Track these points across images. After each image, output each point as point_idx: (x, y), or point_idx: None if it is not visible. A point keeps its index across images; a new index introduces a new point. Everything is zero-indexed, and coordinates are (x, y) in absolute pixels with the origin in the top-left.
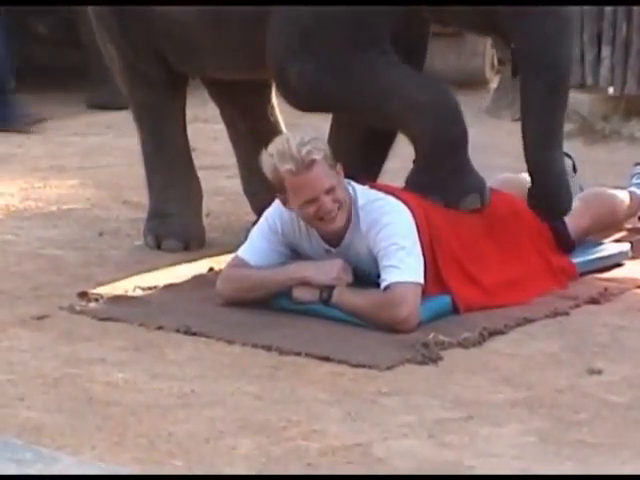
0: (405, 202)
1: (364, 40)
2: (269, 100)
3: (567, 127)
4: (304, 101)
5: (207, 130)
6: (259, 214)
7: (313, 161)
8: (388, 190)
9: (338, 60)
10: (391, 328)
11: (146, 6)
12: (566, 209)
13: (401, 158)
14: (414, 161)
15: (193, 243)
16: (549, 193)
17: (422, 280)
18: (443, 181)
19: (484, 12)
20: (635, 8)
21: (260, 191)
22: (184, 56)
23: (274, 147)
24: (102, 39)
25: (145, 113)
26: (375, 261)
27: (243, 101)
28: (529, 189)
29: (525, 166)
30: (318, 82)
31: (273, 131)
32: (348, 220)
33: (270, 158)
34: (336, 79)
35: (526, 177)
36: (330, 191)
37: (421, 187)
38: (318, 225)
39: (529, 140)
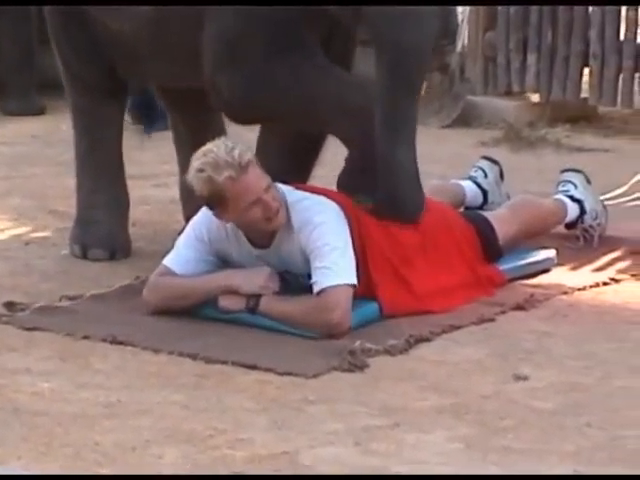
0: (336, 201)
1: (287, 45)
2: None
3: (493, 134)
4: (238, 113)
5: (135, 139)
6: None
7: (249, 162)
8: (316, 190)
9: (264, 68)
10: (324, 332)
11: (89, 14)
12: (411, 215)
13: (330, 165)
14: (346, 161)
15: (119, 252)
16: (391, 196)
17: (355, 281)
18: (372, 182)
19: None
20: (560, 15)
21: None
22: (127, 65)
23: (202, 162)
24: (53, 45)
25: (84, 118)
26: (307, 261)
27: (188, 107)
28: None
29: (454, 173)
30: (248, 93)
31: (214, 137)
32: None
33: (201, 173)
34: (264, 88)
35: (456, 184)
36: (268, 189)
37: (352, 187)
38: (264, 227)
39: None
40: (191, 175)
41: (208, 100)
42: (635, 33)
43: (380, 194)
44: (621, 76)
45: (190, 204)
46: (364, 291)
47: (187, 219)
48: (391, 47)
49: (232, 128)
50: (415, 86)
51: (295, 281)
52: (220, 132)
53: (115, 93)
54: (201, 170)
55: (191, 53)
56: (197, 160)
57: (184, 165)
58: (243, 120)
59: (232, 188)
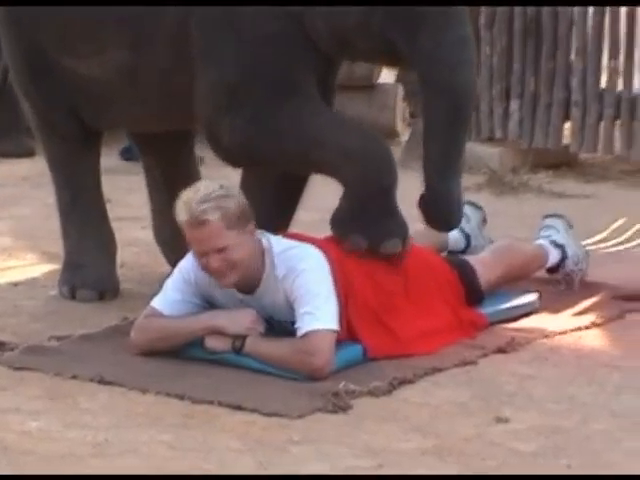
0: (321, 249)
1: (287, 89)
2: (188, 150)
3: (477, 179)
4: (237, 157)
5: (122, 181)
6: (171, 263)
7: (205, 221)
8: (303, 239)
9: (265, 113)
10: (306, 376)
11: (63, 66)
12: (453, 222)
13: (319, 210)
14: (341, 199)
15: (107, 293)
16: (446, 221)
17: (337, 327)
18: (368, 223)
19: (387, 42)
20: (543, 64)
21: (171, 240)
22: (98, 111)
23: (184, 194)
24: (20, 94)
25: (60, 166)
26: (291, 308)
27: (161, 149)
28: (424, 210)
29: None
30: (249, 137)
31: (188, 181)
32: (259, 269)
33: (177, 204)
34: (265, 132)
35: None
36: (222, 251)
37: (345, 226)
38: (215, 279)
39: (427, 166)
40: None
41: (183, 141)
42: (615, 82)
43: (433, 220)
44: (602, 124)
45: (170, 246)
46: (346, 336)
47: (168, 260)
48: (447, 92)
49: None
50: (467, 125)
51: (279, 326)
52: (193, 173)
53: (89, 140)
54: (179, 201)
55: (168, 99)
56: (187, 190)
57: (159, 208)
58: (242, 164)
59: (185, 232)
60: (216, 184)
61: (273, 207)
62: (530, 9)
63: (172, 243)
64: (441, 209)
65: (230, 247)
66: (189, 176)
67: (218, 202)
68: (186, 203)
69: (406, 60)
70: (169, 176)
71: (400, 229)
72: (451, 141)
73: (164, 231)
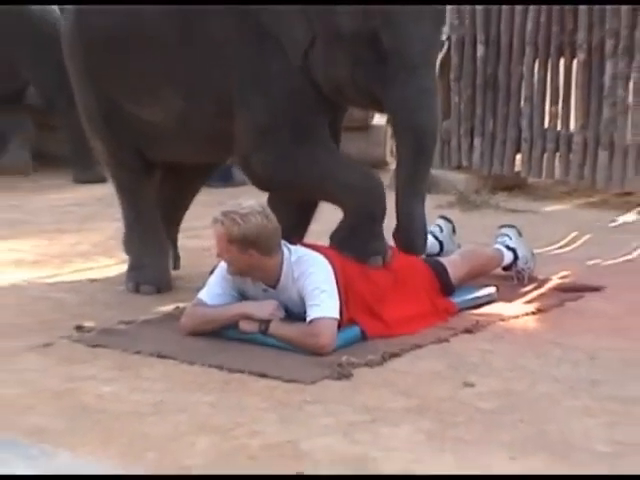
0: (327, 256)
1: (307, 132)
2: (204, 175)
3: (448, 199)
4: (266, 184)
5: None
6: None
7: (216, 224)
8: (314, 247)
9: (289, 152)
10: (313, 352)
11: (129, 112)
12: (421, 247)
13: (324, 222)
14: (340, 222)
15: (163, 288)
16: (407, 232)
17: (337, 316)
18: (358, 243)
19: (369, 93)
20: (499, 108)
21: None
22: (156, 148)
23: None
24: (91, 134)
25: (126, 192)
26: (302, 302)
27: (190, 177)
28: (395, 229)
29: None
30: (275, 170)
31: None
32: (279, 270)
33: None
34: (289, 168)
35: None
36: (218, 247)
37: (341, 244)
38: None
39: (398, 190)
40: None
41: (203, 171)
42: (556, 123)
43: (401, 236)
44: (545, 155)
45: None
46: (345, 323)
47: None
48: (414, 131)
49: None
50: (431, 160)
51: (294, 315)
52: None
53: (147, 170)
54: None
55: (212, 139)
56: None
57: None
58: (269, 190)
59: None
60: (252, 208)
61: (293, 221)
62: (489, 67)
63: None
64: (407, 240)
65: (228, 253)
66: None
67: (232, 220)
68: (220, 211)
69: (383, 106)
70: (183, 195)
71: (382, 249)
72: (415, 173)
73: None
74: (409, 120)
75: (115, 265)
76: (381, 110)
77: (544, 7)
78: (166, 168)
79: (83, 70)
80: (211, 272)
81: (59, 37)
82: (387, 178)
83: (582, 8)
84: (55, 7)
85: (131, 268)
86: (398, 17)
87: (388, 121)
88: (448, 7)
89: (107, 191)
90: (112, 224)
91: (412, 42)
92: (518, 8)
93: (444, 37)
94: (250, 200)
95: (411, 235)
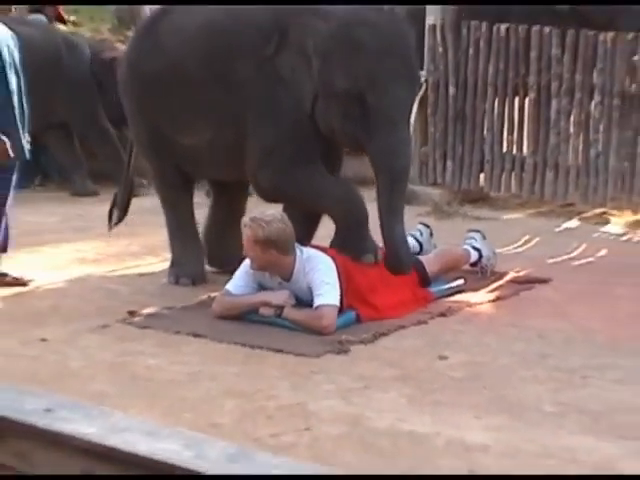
0: (331, 256)
1: (304, 157)
2: (242, 190)
3: (426, 209)
4: (270, 196)
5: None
6: (210, 263)
7: (245, 229)
8: (320, 248)
9: (289, 171)
10: (318, 332)
11: (171, 140)
12: (406, 267)
13: (327, 227)
14: (335, 231)
15: (198, 281)
16: (393, 257)
17: (338, 303)
18: (351, 245)
19: (355, 140)
20: (467, 137)
21: (216, 245)
22: (194, 168)
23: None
24: (143, 156)
25: (169, 204)
26: (310, 292)
27: (223, 190)
28: (384, 252)
29: None
30: (277, 186)
31: (236, 213)
32: (292, 266)
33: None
34: (289, 184)
35: None
36: (247, 250)
37: (339, 247)
38: None
39: (381, 218)
40: None
41: (239, 187)
42: (512, 148)
43: (390, 260)
44: (503, 174)
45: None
46: (344, 309)
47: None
48: (389, 171)
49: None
50: (405, 192)
51: (303, 303)
52: (242, 207)
53: (187, 187)
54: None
55: (233, 159)
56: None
57: (212, 223)
58: (273, 202)
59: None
60: (274, 216)
61: (303, 227)
62: (459, 104)
63: (218, 251)
64: (395, 264)
65: (252, 252)
66: (239, 206)
67: (259, 225)
68: (250, 217)
69: (366, 151)
70: (223, 204)
71: (372, 248)
72: (395, 203)
73: (212, 241)
74: (388, 164)
75: (159, 262)
76: (363, 152)
77: (502, 55)
78: (215, 192)
79: (135, 107)
80: (235, 269)
81: (89, 82)
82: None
83: (533, 55)
84: (87, 56)
85: (172, 264)
86: (381, 80)
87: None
88: (425, 56)
89: (154, 202)
90: (157, 229)
91: (391, 101)
92: (482, 56)
93: (422, 79)
94: (271, 209)
95: (398, 258)
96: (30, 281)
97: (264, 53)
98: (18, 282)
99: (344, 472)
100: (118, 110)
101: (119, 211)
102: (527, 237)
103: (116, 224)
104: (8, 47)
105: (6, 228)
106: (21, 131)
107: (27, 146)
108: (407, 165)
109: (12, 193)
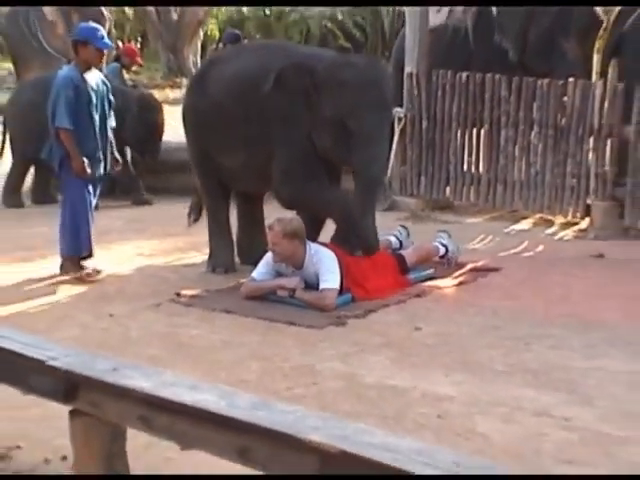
0: (333, 250)
1: (313, 175)
2: (260, 199)
3: (404, 214)
4: (289, 205)
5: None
6: (243, 261)
7: (273, 227)
8: (325, 244)
9: (300, 187)
10: (322, 310)
11: (215, 160)
12: (374, 249)
13: (329, 229)
14: (335, 231)
15: (230, 270)
16: (364, 242)
17: (338, 287)
18: (348, 241)
19: (344, 159)
20: (436, 160)
21: (247, 247)
22: (231, 182)
23: (277, 217)
24: (194, 173)
25: (212, 210)
26: (316, 278)
27: (249, 200)
28: (357, 240)
29: (386, 233)
30: (294, 197)
31: (259, 217)
32: (302, 258)
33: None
34: (302, 196)
35: (387, 238)
36: (276, 244)
37: (338, 242)
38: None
39: (355, 214)
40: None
41: (258, 197)
42: (471, 168)
43: (358, 241)
44: (464, 187)
45: (246, 250)
46: (343, 292)
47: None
48: (365, 178)
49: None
50: (377, 194)
51: (311, 286)
52: (261, 214)
53: (225, 196)
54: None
55: (262, 175)
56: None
57: (241, 227)
58: (291, 209)
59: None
60: (293, 217)
61: (311, 228)
62: (430, 134)
63: (247, 249)
64: (365, 244)
65: (278, 244)
66: (258, 213)
67: (284, 223)
68: (276, 219)
69: (350, 165)
70: (249, 210)
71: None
72: (369, 204)
73: (243, 241)
74: (366, 174)
75: (200, 256)
76: (348, 166)
77: (463, 96)
78: (241, 202)
79: (191, 134)
80: (258, 260)
81: (145, 113)
82: None
83: (487, 96)
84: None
85: (210, 257)
86: (359, 107)
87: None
88: (404, 97)
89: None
90: (198, 230)
91: (368, 124)
92: (448, 97)
93: (402, 115)
94: (289, 214)
95: (367, 242)
96: (102, 271)
97: (262, 90)
98: (90, 276)
99: (343, 417)
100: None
101: (195, 214)
102: (483, 236)
103: (194, 221)
104: (97, 87)
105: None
106: (100, 155)
107: (102, 166)
108: (379, 173)
109: (95, 202)
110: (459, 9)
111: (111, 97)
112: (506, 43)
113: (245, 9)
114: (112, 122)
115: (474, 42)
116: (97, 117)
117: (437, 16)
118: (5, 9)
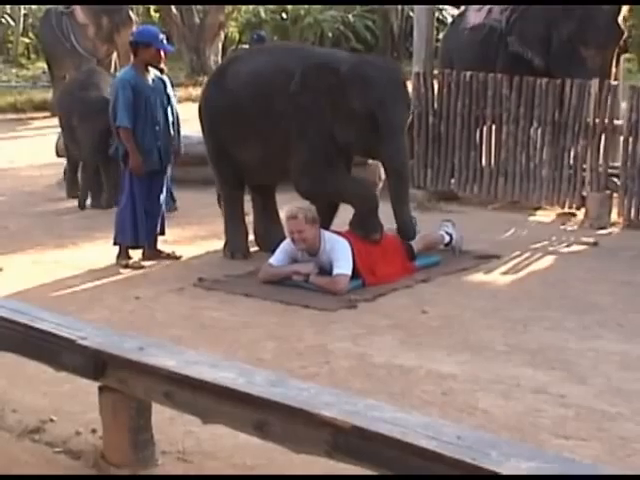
0: (346, 238)
1: (331, 165)
2: (273, 189)
3: (412, 205)
4: (307, 196)
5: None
6: (261, 248)
7: (296, 216)
8: (337, 232)
9: (320, 176)
10: (335, 293)
11: (232, 154)
12: (413, 236)
13: (346, 211)
14: (353, 215)
15: (247, 255)
16: (403, 229)
17: (350, 273)
18: (364, 226)
19: (368, 150)
20: (442, 153)
21: (263, 234)
22: (248, 175)
23: (293, 205)
24: (212, 166)
25: (228, 201)
26: (330, 264)
27: (263, 191)
28: (397, 227)
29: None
30: (314, 187)
31: (271, 204)
32: (318, 245)
33: (288, 208)
34: (321, 185)
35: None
36: (300, 232)
37: (355, 227)
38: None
39: (393, 206)
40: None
41: (272, 188)
42: (474, 161)
43: (398, 227)
44: (468, 180)
45: (264, 238)
46: (354, 276)
47: (261, 247)
48: (396, 167)
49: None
50: (408, 183)
51: (325, 272)
52: (274, 204)
53: (241, 187)
54: (290, 206)
55: (277, 168)
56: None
57: (257, 217)
58: (311, 199)
59: (287, 221)
60: (308, 206)
61: (325, 216)
62: (436, 129)
63: (264, 236)
64: (404, 233)
65: (304, 231)
66: (273, 205)
67: (305, 211)
68: (292, 208)
69: (378, 156)
70: (263, 202)
71: (378, 228)
72: (402, 193)
73: (260, 229)
74: (395, 164)
75: (220, 243)
76: (374, 158)
77: (467, 94)
78: (255, 194)
79: (207, 129)
80: (276, 247)
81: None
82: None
83: (489, 94)
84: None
85: (227, 243)
86: (386, 101)
87: (379, 162)
88: (412, 94)
89: (214, 200)
90: (216, 219)
91: (395, 117)
92: (452, 95)
93: (410, 111)
94: (305, 202)
95: (406, 230)
96: (181, 256)
97: (290, 91)
98: (170, 256)
99: (353, 394)
100: None
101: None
102: (484, 226)
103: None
104: (154, 85)
105: (163, 216)
106: (161, 148)
107: (160, 160)
108: (407, 164)
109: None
110: (497, 9)
111: (170, 92)
112: (525, 51)
113: (263, 13)
114: (173, 115)
115: (504, 43)
116: (157, 113)
117: (477, 15)
118: (41, 13)
